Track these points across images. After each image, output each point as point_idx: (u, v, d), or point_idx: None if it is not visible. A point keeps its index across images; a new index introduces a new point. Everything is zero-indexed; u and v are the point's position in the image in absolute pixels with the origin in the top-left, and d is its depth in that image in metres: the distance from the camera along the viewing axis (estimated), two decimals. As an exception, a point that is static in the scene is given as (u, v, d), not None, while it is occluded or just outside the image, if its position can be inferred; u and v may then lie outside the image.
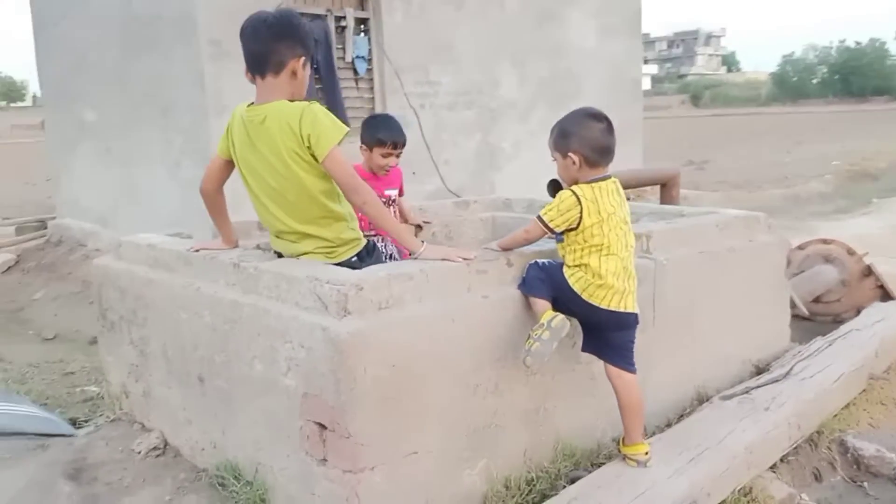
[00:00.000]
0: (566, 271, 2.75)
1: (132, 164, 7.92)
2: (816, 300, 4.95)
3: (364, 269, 2.60)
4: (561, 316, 2.67)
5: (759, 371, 3.76)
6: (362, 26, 7.75)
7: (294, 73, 2.78)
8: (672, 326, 3.36)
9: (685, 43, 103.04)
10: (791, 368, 3.57)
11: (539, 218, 2.73)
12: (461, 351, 2.63)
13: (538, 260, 2.87)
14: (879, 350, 3.94)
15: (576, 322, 2.82)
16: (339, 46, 7.52)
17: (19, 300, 7.62)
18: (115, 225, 8.08)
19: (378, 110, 7.82)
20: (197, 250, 3.14)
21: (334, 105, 7.29)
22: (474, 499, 2.71)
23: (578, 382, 3.00)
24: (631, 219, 4.07)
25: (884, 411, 3.73)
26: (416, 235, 4.54)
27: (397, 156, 3.88)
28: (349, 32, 7.50)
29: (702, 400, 3.48)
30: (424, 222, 4.58)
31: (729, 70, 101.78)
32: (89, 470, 3.24)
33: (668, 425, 3.33)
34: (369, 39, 7.73)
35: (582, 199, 2.67)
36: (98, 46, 8.16)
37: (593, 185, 2.72)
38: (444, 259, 2.74)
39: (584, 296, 2.71)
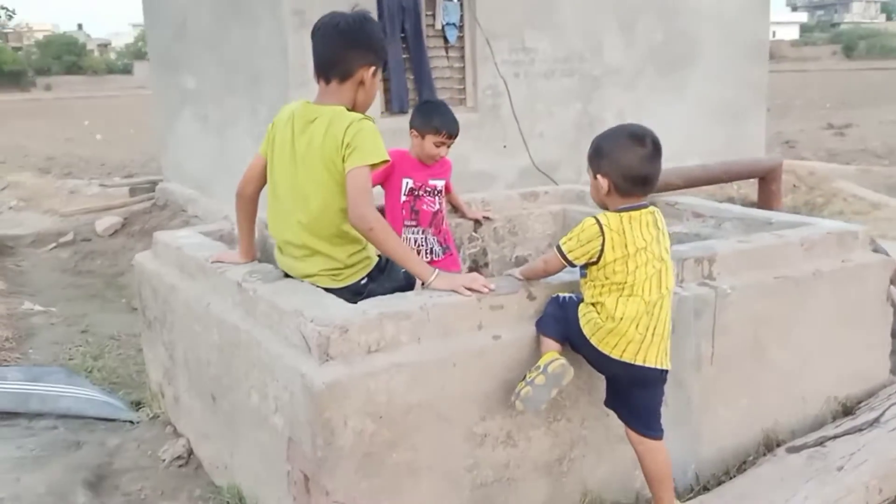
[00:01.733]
0: (580, 310, 2.39)
1: (225, 132, 7.96)
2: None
3: (355, 307, 2.33)
4: (561, 361, 2.32)
5: (847, 411, 3.26)
6: (456, -9, 7.37)
7: (362, 82, 2.66)
8: (736, 364, 2.93)
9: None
10: (882, 413, 3.07)
11: (558, 248, 2.38)
12: (465, 398, 2.34)
13: (561, 294, 2.51)
14: None
15: (588, 369, 2.47)
16: (430, 13, 7.18)
17: (120, 264, 7.83)
18: (211, 192, 8.20)
19: (468, 81, 7.47)
20: (214, 261, 2.97)
21: (421, 77, 7.01)
22: (480, 558, 2.45)
23: (611, 428, 2.65)
24: (706, 229, 3.69)
25: None
26: (475, 231, 4.27)
27: (448, 146, 3.67)
28: (440, -2, 7.15)
29: (770, 445, 3.04)
30: (485, 217, 4.28)
31: (889, 18, 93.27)
32: (112, 477, 3.20)
33: (727, 473, 2.94)
34: (461, 5, 7.35)
35: (605, 230, 2.30)
36: (195, 14, 8.20)
37: (623, 214, 2.34)
38: (454, 290, 2.45)
39: (594, 341, 2.35)
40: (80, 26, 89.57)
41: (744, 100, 9.43)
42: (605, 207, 2.41)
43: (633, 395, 2.43)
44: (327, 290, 2.58)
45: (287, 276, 2.73)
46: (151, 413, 3.69)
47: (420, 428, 2.28)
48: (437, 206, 3.72)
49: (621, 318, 2.31)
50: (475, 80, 7.47)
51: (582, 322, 2.37)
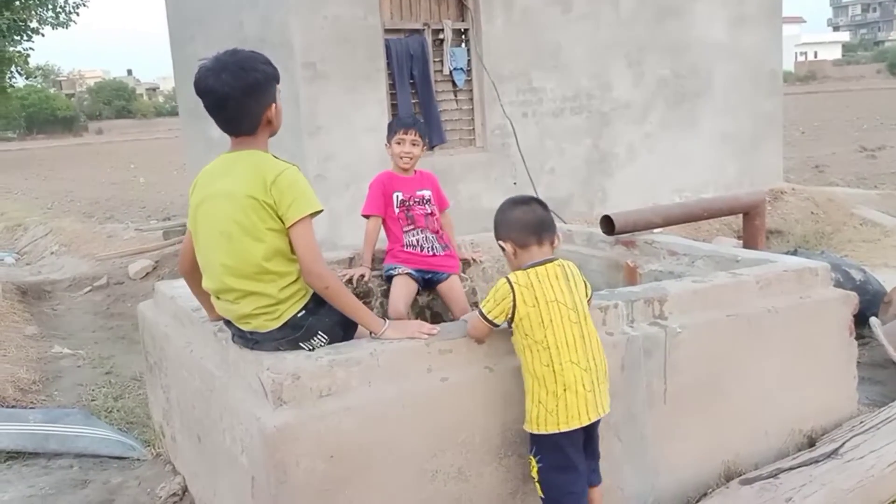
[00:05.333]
0: (529, 420, 2.55)
1: (248, 178, 8.29)
2: (921, 348, 4.33)
3: (308, 355, 2.53)
4: None
5: (812, 443, 3.35)
6: (463, 36, 7.64)
7: (269, 122, 2.63)
8: (691, 399, 3.05)
9: (883, 6, 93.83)
10: (842, 445, 3.15)
11: (479, 311, 2.58)
12: (414, 437, 2.52)
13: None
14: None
15: None
16: (437, 59, 7.46)
17: (149, 307, 8.20)
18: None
19: (477, 122, 7.72)
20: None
21: (430, 120, 7.26)
22: (435, 589, 2.60)
23: (565, 464, 2.80)
24: (680, 267, 3.82)
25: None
26: (464, 271, 4.45)
27: (412, 143, 3.91)
28: (447, 44, 7.43)
29: (731, 477, 3.14)
30: (473, 260, 4.47)
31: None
32: (111, 513, 3.43)
33: (687, 505, 3.05)
34: (468, 50, 7.62)
35: (515, 286, 2.50)
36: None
37: (529, 270, 2.54)
38: (408, 338, 2.64)
39: (562, 427, 2.49)
40: (129, 72, 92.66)
41: (759, 130, 9.51)
42: (515, 270, 2.61)
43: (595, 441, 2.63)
44: (268, 334, 2.59)
45: (228, 322, 2.74)
46: (155, 452, 3.93)
47: (372, 466, 2.45)
48: (430, 210, 4.00)
49: (565, 389, 2.47)
50: (484, 122, 7.71)
51: (538, 425, 2.52)
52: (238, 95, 2.54)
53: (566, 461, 2.52)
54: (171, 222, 11.93)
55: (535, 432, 2.52)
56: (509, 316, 2.51)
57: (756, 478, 2.99)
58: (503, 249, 2.65)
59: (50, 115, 56.88)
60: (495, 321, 2.54)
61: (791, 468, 3.03)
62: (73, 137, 52.78)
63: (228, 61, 2.55)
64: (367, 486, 2.45)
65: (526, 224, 2.58)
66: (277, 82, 2.66)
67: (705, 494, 3.10)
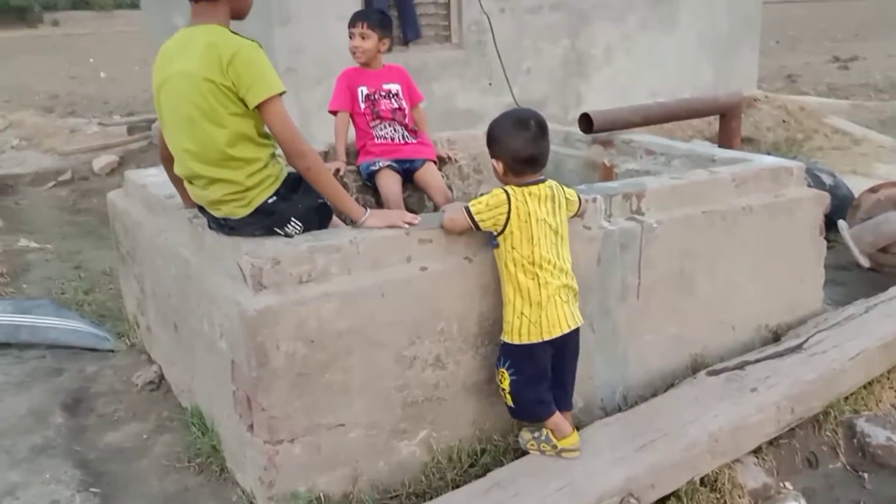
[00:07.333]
0: (507, 329, 2.59)
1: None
2: (884, 250, 4.43)
3: (287, 241, 2.51)
4: (578, 452, 2.61)
5: (777, 338, 3.45)
6: (441, -77, 7.35)
7: None
8: (663, 294, 3.11)
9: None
10: (806, 340, 3.25)
11: (466, 209, 2.57)
12: (393, 325, 2.54)
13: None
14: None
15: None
16: (413, -51, 7.18)
17: (116, 202, 8.07)
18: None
19: (454, 16, 7.51)
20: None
21: (405, 13, 7.06)
22: (411, 469, 2.68)
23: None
24: (657, 166, 3.82)
25: (917, 392, 3.36)
26: (440, 169, 4.41)
27: (361, 36, 3.82)
28: (424, -68, 7.14)
29: (698, 370, 3.24)
30: (449, 157, 4.43)
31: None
32: (88, 400, 3.45)
33: (655, 395, 3.15)
34: (447, -62, 7.34)
35: (512, 199, 2.51)
36: (183, -49, 8.21)
37: (524, 188, 2.56)
38: (389, 226, 2.63)
39: (545, 336, 2.53)
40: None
41: (737, 33, 9.40)
42: (506, 185, 2.61)
43: (571, 363, 2.69)
44: (240, 220, 2.56)
45: (201, 208, 2.72)
46: (129, 342, 3.93)
47: (351, 352, 2.48)
48: (397, 105, 3.93)
49: (548, 299, 2.51)
50: (460, 17, 7.51)
51: (519, 335, 2.55)
52: None
53: (540, 371, 2.58)
54: (136, 118, 11.61)
55: (515, 342, 2.56)
56: (500, 227, 2.52)
57: (722, 369, 3.08)
58: (492, 162, 2.64)
59: (2, 3, 54.25)
60: (481, 224, 2.54)
61: (756, 360, 3.13)
62: (28, 29, 50.50)
63: None
64: (345, 371, 2.48)
65: (527, 157, 2.56)
66: None
67: (672, 385, 3.20)
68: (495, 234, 2.55)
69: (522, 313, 2.54)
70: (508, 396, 2.62)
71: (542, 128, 2.59)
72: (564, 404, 2.69)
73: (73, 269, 5.69)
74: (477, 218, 2.54)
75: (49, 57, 27.46)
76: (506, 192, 2.53)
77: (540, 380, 2.60)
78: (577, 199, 2.76)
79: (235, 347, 2.46)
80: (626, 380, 3.11)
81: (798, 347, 3.21)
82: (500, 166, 2.60)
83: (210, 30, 2.47)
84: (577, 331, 2.62)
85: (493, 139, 2.62)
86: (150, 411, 3.33)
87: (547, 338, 2.54)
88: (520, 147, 2.55)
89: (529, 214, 2.51)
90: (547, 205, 2.56)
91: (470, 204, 2.57)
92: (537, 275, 2.51)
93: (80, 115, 13.24)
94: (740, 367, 3.08)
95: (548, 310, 2.53)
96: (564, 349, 2.63)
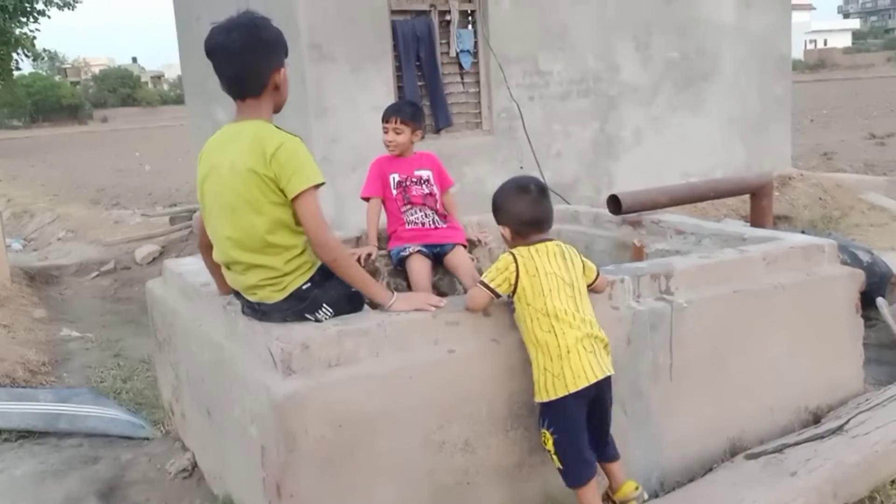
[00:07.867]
0: (538, 386, 2.59)
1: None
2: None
3: (316, 325, 2.55)
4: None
5: (817, 420, 3.36)
6: (469, 18, 7.62)
7: (276, 87, 2.63)
8: (696, 375, 3.06)
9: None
10: (847, 421, 3.16)
11: (481, 282, 2.62)
12: (422, 408, 2.54)
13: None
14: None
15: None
16: (444, 41, 7.44)
17: (156, 291, 8.24)
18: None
19: (484, 105, 7.70)
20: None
21: (436, 102, 7.26)
22: (441, 558, 2.63)
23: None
24: (687, 245, 3.82)
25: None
26: (470, 251, 4.46)
27: (395, 132, 3.93)
28: (453, 26, 7.40)
29: (736, 453, 3.16)
30: (479, 240, 4.48)
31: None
32: (122, 488, 3.46)
33: (692, 481, 3.06)
34: (475, 32, 7.60)
35: (518, 257, 2.59)
36: (225, 50, 8.60)
37: (530, 246, 2.64)
38: (416, 310, 2.66)
39: (570, 389, 2.52)
40: (134, 59, 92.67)
41: (767, 113, 9.47)
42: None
43: (607, 411, 2.66)
44: (274, 305, 2.61)
45: (237, 293, 2.78)
46: (164, 430, 3.96)
47: (379, 436, 2.47)
48: (428, 191, 4.01)
49: (568, 351, 2.51)
50: (490, 104, 7.69)
51: (546, 392, 2.55)
52: (247, 52, 2.55)
53: (577, 427, 2.56)
54: (177, 208, 11.96)
55: (545, 400, 2.55)
56: (512, 285, 2.57)
57: (761, 452, 3.00)
58: (501, 230, 2.75)
59: (55, 102, 56.97)
60: (497, 289, 2.59)
61: (796, 443, 3.04)
62: (79, 125, 52.90)
63: (240, 20, 2.57)
64: (374, 455, 2.47)
65: (529, 220, 2.68)
66: (286, 54, 2.67)
67: (710, 470, 3.11)
68: (510, 296, 2.60)
69: (545, 368, 2.54)
70: (556, 458, 2.59)
71: (542, 190, 2.70)
72: (611, 453, 2.68)
73: (113, 358, 5.78)
74: (492, 285, 2.59)
75: (97, 151, 28.62)
76: (511, 253, 2.61)
77: (579, 435, 2.57)
78: (594, 266, 2.79)
79: (265, 432, 2.48)
80: (661, 464, 3.03)
81: (839, 429, 3.11)
82: (507, 232, 2.70)
83: (256, 125, 2.59)
84: (608, 381, 2.59)
85: (498, 207, 2.74)
86: (182, 499, 3.33)
87: (573, 389, 2.51)
88: (523, 210, 2.66)
89: (538, 269, 2.57)
90: (557, 260, 2.62)
91: (483, 276, 2.63)
92: (553, 326, 2.52)
93: (125, 207, 13.69)
94: (779, 450, 3.00)
95: (570, 361, 2.52)
96: (599, 402, 2.61)
